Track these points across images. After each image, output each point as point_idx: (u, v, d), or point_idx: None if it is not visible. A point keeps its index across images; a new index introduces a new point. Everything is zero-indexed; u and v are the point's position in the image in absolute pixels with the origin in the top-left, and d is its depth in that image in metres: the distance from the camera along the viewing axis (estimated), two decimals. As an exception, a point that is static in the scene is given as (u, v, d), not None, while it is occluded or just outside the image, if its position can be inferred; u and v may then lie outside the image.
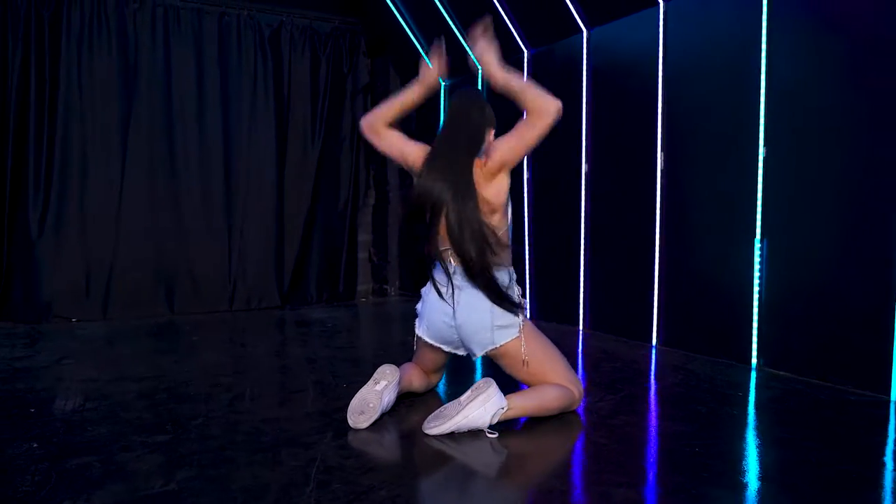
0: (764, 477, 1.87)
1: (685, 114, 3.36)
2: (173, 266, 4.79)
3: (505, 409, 2.18)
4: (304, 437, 2.11)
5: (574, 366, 2.76)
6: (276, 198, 5.14)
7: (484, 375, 2.27)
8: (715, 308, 3.21)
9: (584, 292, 3.98)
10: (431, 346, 2.45)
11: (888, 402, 2.50)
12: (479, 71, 4.78)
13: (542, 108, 2.21)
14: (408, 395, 2.50)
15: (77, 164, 4.49)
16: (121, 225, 4.61)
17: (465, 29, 4.65)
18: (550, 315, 4.23)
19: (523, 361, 2.30)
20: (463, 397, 2.17)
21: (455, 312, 2.31)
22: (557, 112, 2.21)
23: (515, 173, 2.70)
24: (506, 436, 2.15)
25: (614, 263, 3.81)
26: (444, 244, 2.31)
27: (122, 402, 2.48)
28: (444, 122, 2.35)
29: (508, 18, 4.29)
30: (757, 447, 2.13)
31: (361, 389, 2.29)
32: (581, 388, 2.36)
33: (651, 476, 1.87)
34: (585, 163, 3.93)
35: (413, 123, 5.59)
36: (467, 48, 2.49)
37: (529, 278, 4.39)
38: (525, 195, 4.38)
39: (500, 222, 2.30)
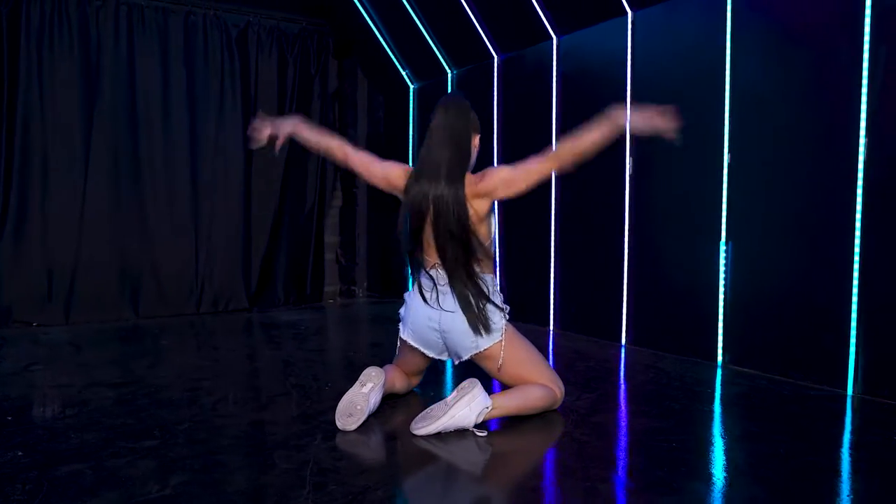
0: (738, 469, 1.97)
1: (653, 120, 3.47)
2: (138, 269, 4.71)
3: (489, 408, 2.24)
4: (293, 440, 2.13)
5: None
6: (243, 199, 5.09)
7: (462, 377, 2.33)
8: (682, 308, 3.34)
9: (555, 293, 4.08)
10: (414, 349, 2.49)
11: (845, 396, 2.66)
12: (450, 74, 4.84)
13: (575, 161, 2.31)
14: (390, 396, 2.54)
15: (38, 165, 4.38)
16: (84, 227, 4.51)
17: (434, 31, 4.71)
18: (522, 316, 4.31)
19: (506, 364, 2.37)
20: (449, 398, 2.23)
21: (440, 317, 2.36)
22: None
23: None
24: (491, 435, 2.21)
25: (584, 265, 3.91)
26: (431, 251, 2.35)
27: (103, 408, 2.46)
28: (429, 130, 2.37)
29: (478, 23, 4.35)
30: (729, 441, 2.24)
31: (348, 392, 2.32)
32: (562, 387, 2.44)
33: (633, 471, 1.96)
34: (555, 167, 4.02)
35: (381, 125, 5.62)
36: None
37: (501, 280, 4.46)
38: (495, 198, 4.44)
39: (485, 232, 2.37)
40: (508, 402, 2.31)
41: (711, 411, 2.58)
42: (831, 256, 2.74)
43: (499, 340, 2.36)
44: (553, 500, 1.77)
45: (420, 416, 2.24)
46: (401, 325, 2.52)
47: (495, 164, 4.29)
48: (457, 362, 2.46)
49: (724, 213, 3.12)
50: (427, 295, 2.38)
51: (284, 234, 5.33)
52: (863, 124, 2.62)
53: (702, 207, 3.21)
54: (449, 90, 4.87)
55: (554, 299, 4.09)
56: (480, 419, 2.23)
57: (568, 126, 3.99)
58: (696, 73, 3.25)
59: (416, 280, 2.43)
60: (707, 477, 1.90)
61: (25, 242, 4.36)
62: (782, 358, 2.93)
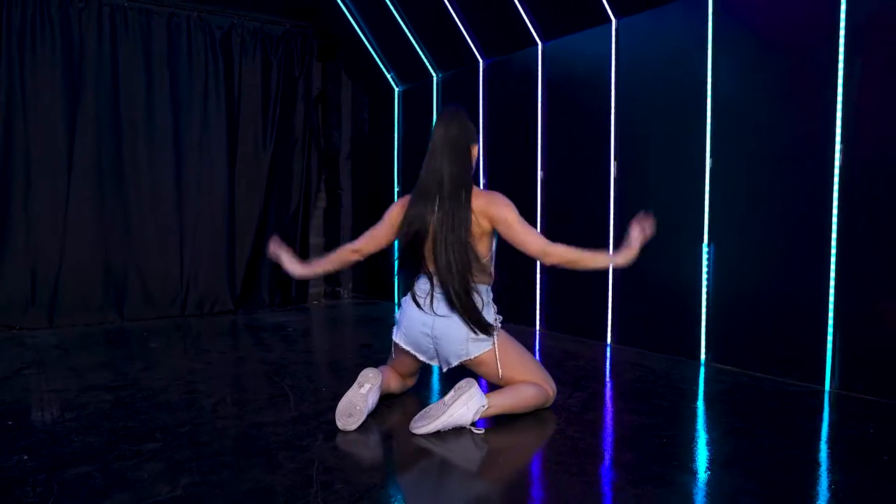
0: (726, 463, 2.06)
1: (637, 125, 3.58)
2: (123, 271, 4.70)
3: (486, 406, 2.31)
4: (296, 441, 2.18)
5: (541, 365, 2.91)
6: (228, 201, 5.10)
7: (459, 376, 2.39)
8: (666, 308, 3.44)
9: (542, 294, 4.16)
10: (407, 352, 2.56)
11: (823, 391, 2.77)
12: (435, 78, 4.90)
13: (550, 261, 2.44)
14: (386, 396, 2.59)
15: (20, 167, 4.35)
16: (67, 229, 4.49)
17: (420, 34, 4.76)
18: (508, 316, 4.38)
19: (498, 369, 2.44)
20: (447, 398, 2.29)
21: (434, 322, 2.43)
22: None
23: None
24: (487, 432, 2.28)
25: (568, 266, 3.99)
26: (430, 259, 2.41)
27: (102, 412, 2.47)
28: (431, 145, 2.42)
29: (464, 27, 4.41)
30: (715, 436, 2.34)
31: (347, 393, 2.37)
32: (554, 386, 2.52)
33: (626, 465, 2.04)
34: (541, 170, 4.11)
35: (366, 127, 5.66)
36: None
37: (485, 280, 4.53)
38: (480, 200, 4.51)
39: (484, 249, 2.43)
40: (503, 401, 2.38)
41: (697, 408, 2.68)
42: (809, 258, 2.85)
43: (490, 349, 2.43)
44: (549, 494, 1.85)
45: (419, 415, 2.30)
46: (395, 328, 2.58)
47: (481, 167, 4.36)
48: (445, 369, 2.52)
49: (706, 216, 3.23)
50: (421, 300, 2.45)
51: (269, 235, 5.31)
52: (838, 130, 2.74)
53: (684, 210, 3.31)
54: (434, 93, 4.93)
55: (540, 300, 4.17)
56: (477, 417, 2.30)
57: (553, 131, 4.10)
58: (678, 80, 3.35)
59: (412, 285, 2.49)
60: (696, 470, 1.99)
61: (8, 245, 4.33)
62: (763, 356, 3.04)
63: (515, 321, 4.27)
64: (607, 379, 3.11)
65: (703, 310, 3.25)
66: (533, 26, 4.04)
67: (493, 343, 2.43)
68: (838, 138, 2.74)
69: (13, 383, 2.92)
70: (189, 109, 4.92)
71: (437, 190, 2.37)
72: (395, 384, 2.64)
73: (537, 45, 4.09)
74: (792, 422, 2.44)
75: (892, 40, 2.60)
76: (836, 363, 2.78)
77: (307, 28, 5.46)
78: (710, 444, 2.26)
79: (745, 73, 3.09)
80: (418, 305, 2.45)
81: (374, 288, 5.60)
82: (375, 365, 2.64)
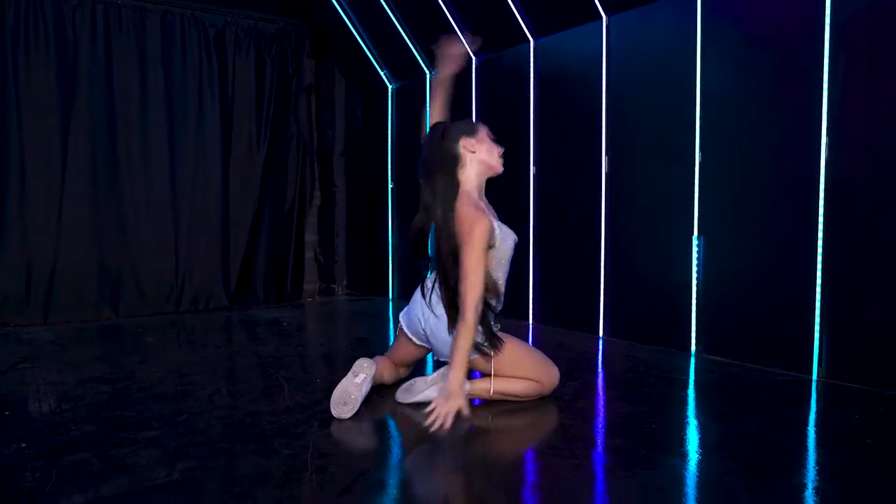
0: (713, 446, 2.10)
1: (628, 120, 3.62)
2: (118, 268, 4.71)
3: (468, 392, 2.36)
4: (291, 428, 2.21)
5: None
6: (222, 198, 5.12)
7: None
8: (656, 300, 3.49)
9: (534, 288, 4.20)
10: (408, 337, 2.60)
11: (810, 381, 2.82)
12: (428, 75, 4.93)
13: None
14: (379, 386, 2.62)
15: (15, 165, 4.37)
16: (62, 227, 4.50)
17: (412, 31, 4.80)
18: (502, 311, 4.42)
19: (491, 372, 2.48)
20: (430, 377, 2.43)
21: (428, 319, 2.48)
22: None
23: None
24: (482, 420, 2.32)
25: (562, 260, 4.04)
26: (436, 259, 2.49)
27: (99, 403, 2.50)
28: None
29: (456, 24, 4.45)
30: (704, 422, 2.38)
31: (342, 382, 2.40)
32: (554, 377, 2.54)
33: (616, 450, 2.07)
34: (533, 165, 4.15)
35: (359, 124, 5.69)
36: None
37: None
38: (473, 196, 4.55)
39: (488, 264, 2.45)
40: (486, 385, 2.45)
41: (687, 396, 2.72)
42: (796, 250, 2.90)
43: (476, 357, 2.43)
44: (542, 477, 1.88)
45: (403, 387, 2.47)
46: (403, 311, 2.65)
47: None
48: (438, 359, 2.58)
49: (695, 209, 3.27)
50: (427, 293, 2.50)
51: (264, 232, 5.37)
52: (824, 125, 2.79)
53: (674, 204, 3.36)
54: (428, 91, 4.97)
55: (533, 293, 4.21)
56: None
57: (544, 127, 4.14)
58: (668, 76, 3.39)
59: (423, 276, 2.58)
60: (685, 453, 2.03)
61: (3, 242, 4.34)
62: (752, 346, 3.09)
63: (508, 315, 4.30)
64: (599, 369, 3.15)
65: (694, 302, 3.30)
66: (525, 23, 4.09)
67: (483, 354, 2.44)
68: (824, 132, 2.79)
69: (9, 377, 2.94)
70: (183, 107, 4.94)
71: (431, 202, 2.44)
72: (388, 374, 2.67)
73: (529, 41, 4.13)
74: (779, 408, 2.48)
75: (874, 37, 2.65)
76: (823, 352, 2.83)
77: (301, 26, 5.49)
78: (699, 429, 2.30)
79: (733, 69, 3.13)
80: (423, 294, 2.52)
81: (369, 284, 5.63)
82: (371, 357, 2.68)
